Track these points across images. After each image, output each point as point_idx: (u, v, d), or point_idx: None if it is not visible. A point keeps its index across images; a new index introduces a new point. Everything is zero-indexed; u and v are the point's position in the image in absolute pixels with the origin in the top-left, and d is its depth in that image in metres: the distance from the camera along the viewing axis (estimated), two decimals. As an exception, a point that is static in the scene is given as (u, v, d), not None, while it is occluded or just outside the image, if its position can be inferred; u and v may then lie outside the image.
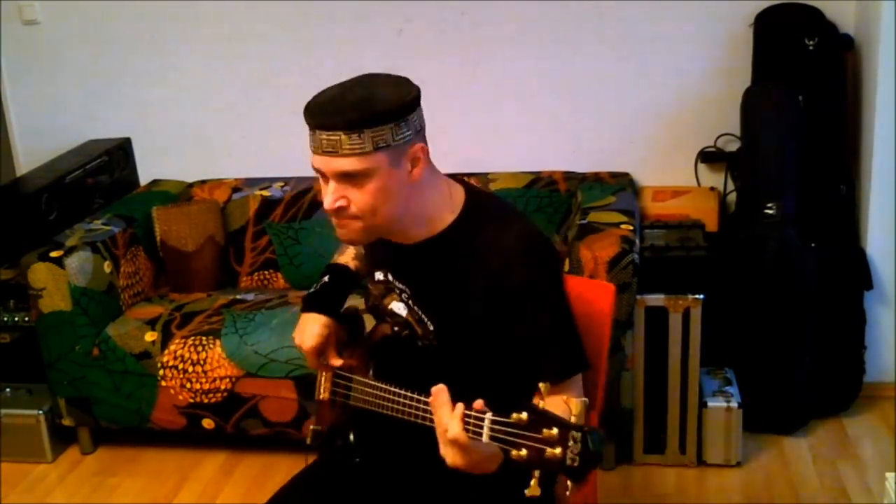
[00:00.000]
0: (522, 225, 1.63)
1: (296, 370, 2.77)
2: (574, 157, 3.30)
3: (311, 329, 1.77)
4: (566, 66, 3.27)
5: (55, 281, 2.89)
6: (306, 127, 1.54)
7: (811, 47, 2.93)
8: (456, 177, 1.69)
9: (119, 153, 3.54)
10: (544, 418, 1.21)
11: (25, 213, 3.10)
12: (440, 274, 1.62)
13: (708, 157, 3.23)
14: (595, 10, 3.19)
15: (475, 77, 3.28)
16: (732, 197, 3.20)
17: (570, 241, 2.73)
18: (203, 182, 3.51)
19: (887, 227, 2.99)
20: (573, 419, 1.20)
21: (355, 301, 1.85)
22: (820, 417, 3.00)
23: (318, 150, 1.51)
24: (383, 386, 1.65)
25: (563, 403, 1.29)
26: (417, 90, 1.55)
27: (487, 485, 1.67)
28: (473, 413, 1.32)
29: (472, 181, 2.61)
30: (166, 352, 2.88)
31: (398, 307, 1.69)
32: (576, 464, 1.17)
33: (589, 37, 3.23)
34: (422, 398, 1.53)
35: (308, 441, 1.86)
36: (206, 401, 2.86)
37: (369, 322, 1.86)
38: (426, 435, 1.57)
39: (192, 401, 2.87)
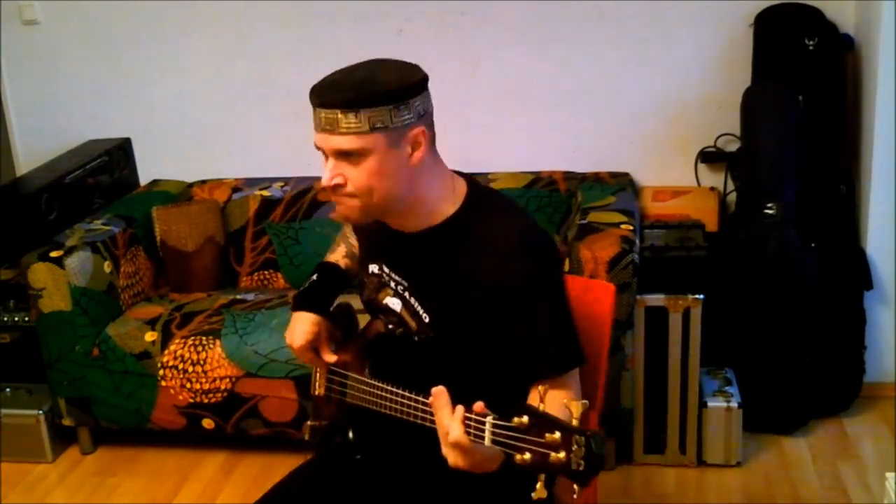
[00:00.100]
0: (523, 220, 1.63)
1: (296, 370, 2.77)
2: (574, 157, 3.30)
3: (300, 327, 1.78)
4: (566, 65, 3.27)
5: (55, 281, 2.89)
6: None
7: (811, 47, 2.93)
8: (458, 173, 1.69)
9: (119, 153, 3.54)
10: (545, 421, 1.21)
11: (25, 213, 3.10)
12: (438, 265, 1.62)
13: (708, 157, 3.23)
14: (595, 9, 3.19)
15: (475, 77, 3.28)
16: (732, 197, 3.20)
17: (570, 241, 2.73)
18: (203, 182, 3.51)
19: (887, 227, 2.99)
20: (575, 422, 1.20)
21: (352, 297, 1.86)
22: (820, 417, 3.00)
23: (317, 127, 1.54)
24: (380, 385, 1.65)
25: (564, 402, 1.29)
26: (423, 75, 1.56)
27: (487, 483, 1.67)
28: (474, 416, 1.32)
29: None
30: (166, 352, 2.88)
31: (392, 302, 1.68)
32: (581, 468, 1.18)
33: (589, 37, 3.23)
34: (420, 398, 1.53)
35: (306, 437, 1.87)
36: (206, 401, 2.86)
37: (363, 318, 1.86)
38: (425, 433, 1.57)
39: (192, 401, 2.87)
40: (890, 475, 2.11)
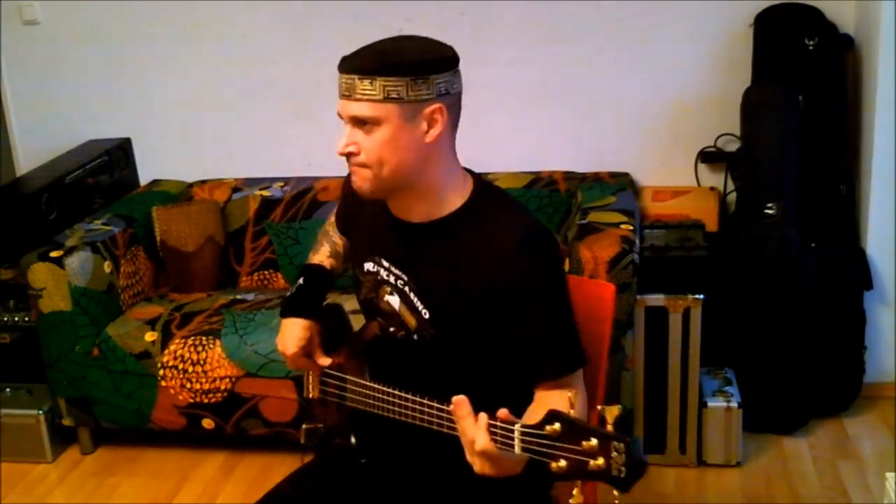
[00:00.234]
0: (528, 218, 1.63)
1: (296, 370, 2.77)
2: (574, 157, 3.30)
3: (292, 333, 1.77)
4: (566, 65, 3.27)
5: (55, 281, 2.89)
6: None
7: (811, 47, 2.93)
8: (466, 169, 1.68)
9: (119, 153, 3.54)
10: (579, 429, 1.21)
11: (25, 213, 3.10)
12: (441, 259, 1.60)
13: (708, 157, 3.23)
14: (595, 9, 3.19)
15: (475, 77, 3.26)
16: (732, 197, 3.20)
17: (570, 241, 2.73)
18: (203, 182, 3.51)
19: (887, 227, 2.99)
20: (609, 427, 1.20)
21: (341, 297, 1.85)
22: (820, 417, 3.00)
23: (339, 93, 1.55)
24: (385, 389, 1.63)
25: (567, 400, 1.30)
26: (449, 54, 1.56)
27: (492, 485, 1.68)
28: (500, 423, 1.32)
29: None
30: (166, 352, 2.88)
31: (391, 300, 1.67)
32: (623, 474, 1.17)
33: (589, 37, 3.23)
34: (436, 404, 1.51)
35: (302, 440, 1.86)
36: (206, 401, 2.86)
37: (356, 318, 1.85)
38: (429, 436, 1.57)
39: (192, 401, 2.87)
40: (890, 475, 2.11)
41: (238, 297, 3.15)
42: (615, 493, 1.20)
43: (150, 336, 2.92)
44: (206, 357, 2.84)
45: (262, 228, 3.37)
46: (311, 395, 1.87)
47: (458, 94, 1.59)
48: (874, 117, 2.91)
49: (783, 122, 2.90)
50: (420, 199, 1.60)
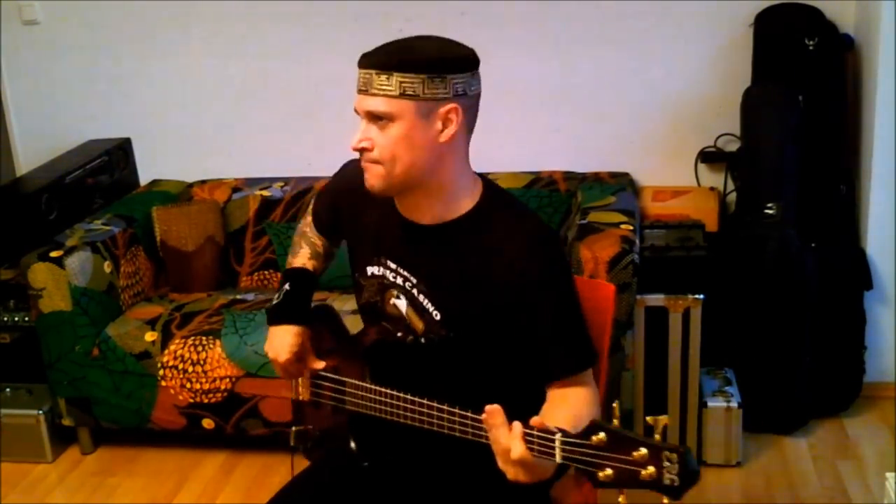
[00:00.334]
0: (536, 221, 1.64)
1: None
2: (574, 157, 3.30)
3: (283, 341, 1.76)
4: (566, 65, 3.27)
5: (55, 281, 2.89)
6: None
7: (811, 47, 2.93)
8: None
9: (119, 153, 3.54)
10: (627, 439, 1.23)
11: (25, 213, 3.10)
12: (452, 260, 1.60)
13: (708, 157, 3.23)
14: (595, 10, 3.19)
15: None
16: (732, 197, 3.20)
17: (570, 241, 2.73)
18: (203, 182, 3.51)
19: (887, 227, 2.99)
20: (657, 436, 1.22)
21: (344, 301, 1.84)
22: (820, 417, 3.00)
23: (357, 87, 1.55)
24: (396, 393, 1.60)
25: (584, 397, 1.44)
26: (466, 54, 1.56)
27: (493, 485, 1.68)
28: (537, 433, 1.32)
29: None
30: (166, 352, 2.88)
31: (398, 303, 1.66)
32: (676, 483, 1.19)
33: (589, 37, 3.23)
34: (455, 410, 1.50)
35: (291, 442, 1.85)
36: (206, 401, 2.86)
37: (352, 320, 1.85)
38: (431, 438, 1.57)
39: (192, 401, 2.87)
40: (890, 475, 2.11)
41: (238, 297, 3.15)
42: (665, 500, 1.22)
43: (150, 336, 2.92)
44: (206, 357, 2.84)
45: (262, 228, 3.37)
46: (300, 398, 1.86)
47: (476, 97, 1.59)
48: (874, 117, 2.91)
49: (783, 121, 2.90)
50: (431, 200, 1.60)
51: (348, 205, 1.77)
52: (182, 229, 3.25)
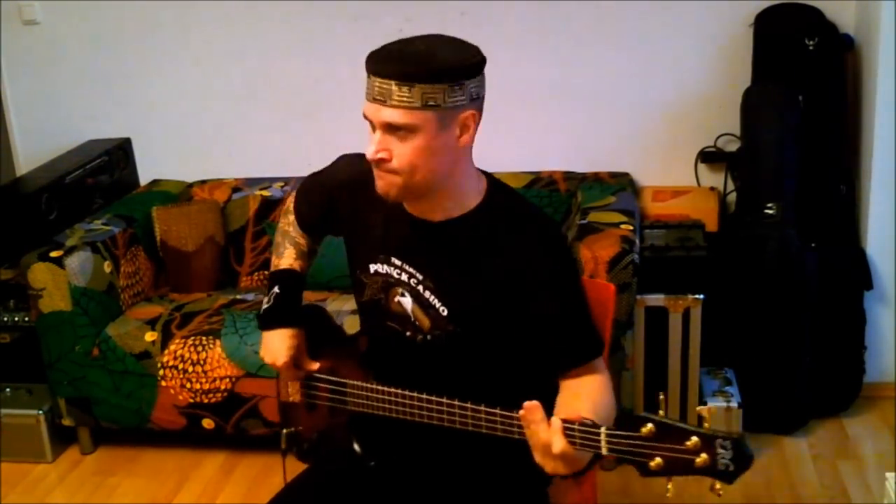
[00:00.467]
0: (541, 215, 1.66)
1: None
2: (574, 157, 3.30)
3: (279, 344, 1.75)
4: (566, 65, 3.27)
5: (55, 281, 2.89)
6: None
7: (811, 47, 2.93)
8: None
9: (119, 153, 3.54)
10: (677, 429, 1.27)
11: (25, 213, 3.10)
12: (460, 255, 1.60)
13: (708, 157, 3.23)
14: (595, 9, 3.19)
15: (475, 77, 3.28)
16: (732, 197, 3.20)
17: (571, 241, 2.73)
18: (203, 182, 3.51)
19: (887, 227, 2.99)
20: (707, 424, 1.27)
21: (345, 301, 1.83)
22: (820, 417, 3.00)
23: (369, 96, 1.50)
24: (415, 395, 1.58)
25: (600, 383, 1.50)
26: (481, 58, 1.54)
27: (493, 484, 1.68)
28: (578, 427, 1.34)
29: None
30: (166, 352, 2.88)
31: (403, 301, 1.65)
32: (731, 468, 1.25)
33: (589, 37, 3.23)
34: (480, 407, 1.49)
35: (283, 445, 1.84)
36: (206, 401, 2.86)
37: (353, 321, 1.83)
38: (436, 436, 1.57)
39: (192, 401, 2.87)
40: (890, 475, 2.11)
41: (238, 297, 3.15)
42: (717, 485, 1.29)
43: (150, 336, 2.92)
44: (206, 357, 2.84)
45: (262, 228, 3.37)
46: (290, 400, 1.84)
47: (484, 96, 1.58)
48: (874, 117, 2.91)
49: (783, 121, 2.90)
50: (443, 199, 1.59)
51: (347, 200, 1.75)
52: (182, 229, 3.25)
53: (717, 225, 3.07)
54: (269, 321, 1.78)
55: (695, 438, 1.26)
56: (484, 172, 1.67)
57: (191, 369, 2.85)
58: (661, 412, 1.31)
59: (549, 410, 1.41)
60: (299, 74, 3.43)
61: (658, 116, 3.25)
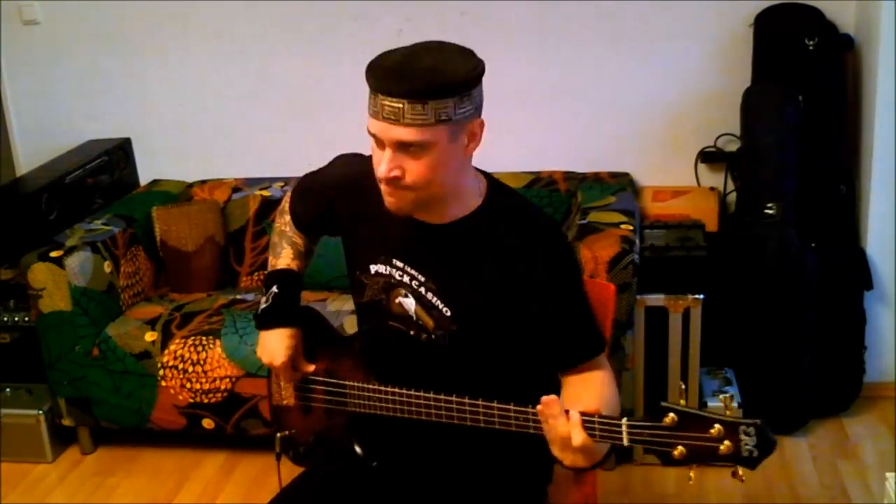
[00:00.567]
0: (541, 215, 1.67)
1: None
2: (574, 157, 3.30)
3: (278, 344, 1.75)
4: (566, 65, 3.27)
5: (55, 281, 2.89)
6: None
7: (811, 47, 2.93)
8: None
9: (119, 153, 3.54)
10: (699, 417, 1.30)
11: (25, 213, 3.10)
12: (463, 256, 1.60)
13: (708, 157, 3.23)
14: (595, 9, 3.19)
15: (475, 77, 3.28)
16: (732, 197, 3.20)
17: (571, 241, 2.73)
18: (203, 182, 3.51)
19: (887, 227, 2.99)
20: (728, 412, 1.30)
21: (344, 301, 1.83)
22: (820, 417, 3.00)
23: (377, 115, 1.47)
24: (422, 394, 1.57)
25: (602, 378, 1.52)
26: (483, 64, 1.53)
27: (494, 483, 1.68)
28: (598, 419, 1.37)
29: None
30: (166, 352, 2.88)
31: (405, 302, 1.65)
32: (755, 454, 1.27)
33: (589, 37, 3.23)
34: (493, 404, 1.49)
35: (277, 449, 1.83)
36: (206, 401, 2.86)
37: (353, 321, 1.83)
38: (437, 435, 1.57)
39: (192, 401, 2.87)
40: (890, 475, 2.11)
41: (238, 297, 3.15)
42: (740, 470, 1.30)
43: (150, 336, 2.92)
44: (206, 357, 2.84)
45: (262, 228, 3.37)
46: (284, 403, 1.83)
47: (483, 100, 1.57)
48: (874, 117, 2.91)
49: (783, 121, 2.90)
50: (446, 204, 1.59)
51: (345, 201, 1.74)
52: (182, 229, 3.25)
53: (717, 225, 3.07)
54: (267, 321, 1.78)
55: (718, 426, 1.28)
56: (483, 172, 1.67)
57: (191, 369, 2.85)
58: (682, 402, 1.34)
59: None
60: (299, 74, 3.43)
61: (658, 116, 3.25)
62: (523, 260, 1.56)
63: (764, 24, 3.02)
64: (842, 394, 3.03)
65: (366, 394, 1.67)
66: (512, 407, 1.47)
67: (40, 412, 3.03)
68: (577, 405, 1.41)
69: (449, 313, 1.61)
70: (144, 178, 3.63)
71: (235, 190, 3.43)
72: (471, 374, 1.61)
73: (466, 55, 1.53)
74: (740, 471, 1.30)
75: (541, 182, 3.22)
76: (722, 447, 1.28)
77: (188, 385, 2.86)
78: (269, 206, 3.36)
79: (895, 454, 2.80)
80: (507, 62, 3.27)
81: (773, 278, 2.85)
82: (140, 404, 2.93)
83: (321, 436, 1.79)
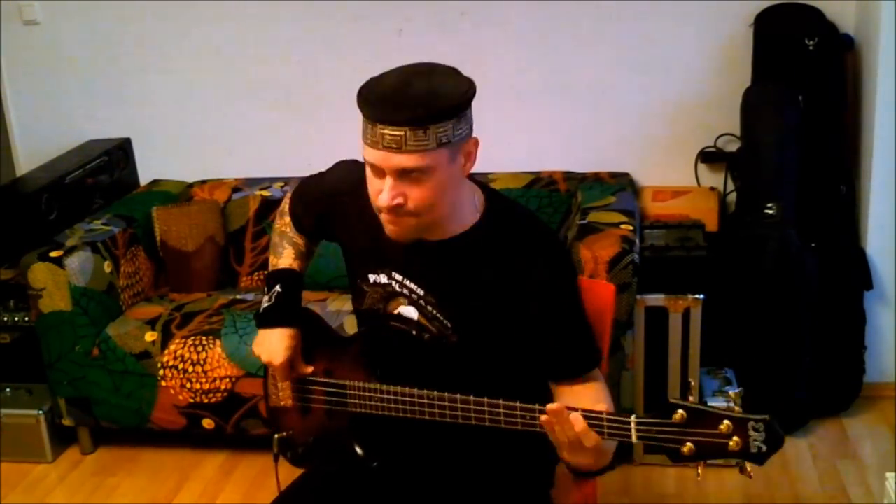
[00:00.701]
0: (543, 228, 1.66)
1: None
2: (574, 157, 3.30)
3: (278, 343, 1.74)
4: (566, 65, 3.27)
5: (55, 281, 2.89)
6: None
7: (811, 47, 2.93)
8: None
9: (119, 153, 3.54)
10: (708, 414, 1.32)
11: (25, 213, 3.10)
12: (461, 273, 1.60)
13: (708, 157, 3.23)
14: (595, 9, 3.19)
15: (475, 77, 3.25)
16: (732, 197, 3.20)
17: (570, 241, 2.73)
18: (203, 182, 3.51)
19: (887, 227, 2.99)
20: (737, 409, 1.32)
21: (344, 301, 1.82)
22: (820, 417, 3.00)
23: (377, 144, 1.46)
24: (425, 393, 1.56)
25: (598, 391, 1.52)
26: (474, 84, 1.52)
27: (496, 483, 1.68)
28: (607, 418, 1.38)
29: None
30: (166, 352, 2.88)
31: (407, 311, 1.65)
32: (764, 450, 1.28)
33: (589, 37, 3.23)
34: (499, 402, 1.49)
35: (275, 450, 1.82)
36: (206, 401, 2.86)
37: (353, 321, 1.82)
38: (438, 435, 1.57)
39: (192, 401, 2.87)
40: (890, 475, 2.11)
41: (238, 297, 3.15)
42: (748, 466, 1.30)
43: (150, 336, 2.92)
44: (206, 357, 2.84)
45: (262, 228, 3.37)
46: (282, 404, 1.83)
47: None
48: (874, 117, 2.91)
49: (783, 121, 2.90)
50: (443, 223, 1.59)
51: (344, 209, 1.74)
52: (182, 229, 3.25)
53: (717, 225, 3.07)
54: (269, 320, 1.77)
55: (727, 422, 1.29)
56: (479, 183, 1.67)
57: (191, 369, 2.85)
58: (691, 398, 1.34)
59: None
60: (299, 74, 3.43)
61: (658, 116, 3.25)
62: (522, 273, 1.56)
63: (764, 24, 3.02)
64: (842, 394, 3.03)
65: (367, 394, 1.66)
66: (518, 405, 1.47)
67: (40, 412, 3.03)
68: None
69: (449, 325, 1.62)
70: (144, 178, 3.63)
71: (235, 190, 3.43)
72: (474, 377, 1.61)
73: (457, 76, 1.53)
74: (748, 467, 1.30)
75: (541, 182, 3.22)
76: (731, 443, 1.29)
77: (188, 385, 2.86)
78: (269, 206, 3.36)
79: (895, 454, 2.81)
80: (507, 62, 3.28)
81: (772, 278, 2.85)
82: (140, 404, 2.93)
83: (320, 436, 1.79)
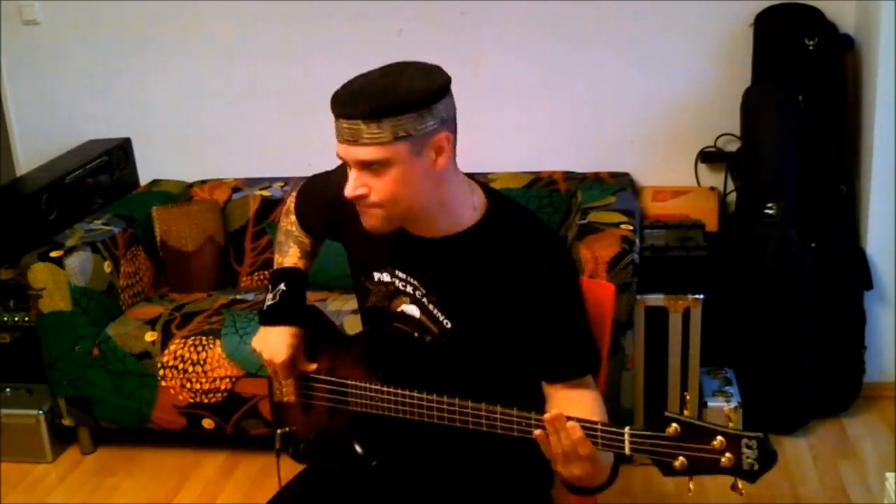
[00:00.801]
0: (545, 230, 1.66)
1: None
2: (574, 157, 3.30)
3: (281, 341, 1.74)
4: (566, 65, 3.27)
5: (55, 281, 2.89)
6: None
7: (811, 47, 2.93)
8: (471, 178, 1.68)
9: (119, 153, 3.54)
10: (702, 429, 1.30)
11: (25, 213, 3.10)
12: (461, 272, 1.60)
13: (708, 157, 3.23)
14: (595, 9, 3.19)
15: (475, 77, 3.28)
16: (732, 197, 3.20)
17: (570, 241, 2.73)
18: (203, 182, 3.51)
19: (887, 227, 2.99)
20: (731, 425, 1.30)
21: (345, 301, 1.82)
22: (820, 417, 3.00)
23: (339, 137, 1.51)
24: (424, 395, 1.57)
25: (593, 399, 1.51)
26: (446, 79, 1.52)
27: (496, 484, 1.68)
28: (601, 429, 1.37)
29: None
30: (166, 352, 2.88)
31: (409, 309, 1.66)
32: (756, 468, 1.28)
33: (589, 37, 3.23)
34: (497, 408, 1.49)
35: (277, 445, 1.83)
36: (206, 401, 2.86)
37: (354, 321, 1.83)
38: (438, 435, 1.57)
39: (192, 401, 2.87)
40: (890, 475, 2.11)
41: (238, 297, 3.15)
42: (740, 483, 1.31)
43: (150, 336, 2.92)
44: (206, 357, 2.84)
45: (262, 228, 3.37)
46: (285, 400, 1.83)
47: (455, 114, 1.56)
48: (874, 117, 2.91)
49: (783, 121, 2.90)
50: (434, 221, 1.59)
51: (349, 209, 1.70)
52: (182, 229, 3.25)
53: (717, 225, 3.07)
54: (273, 317, 1.77)
55: (720, 438, 1.28)
56: (480, 183, 1.67)
57: (191, 369, 2.85)
58: (685, 412, 1.33)
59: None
60: (299, 74, 3.43)
61: (658, 116, 3.25)
62: (522, 273, 1.55)
63: (764, 24, 3.02)
64: (842, 394, 3.03)
65: (367, 393, 1.66)
66: (514, 412, 1.47)
67: (40, 412, 3.03)
68: None
69: (450, 325, 1.62)
70: (144, 178, 3.63)
71: (235, 190, 3.43)
72: (473, 378, 1.61)
73: (427, 72, 1.53)
74: (740, 484, 1.30)
75: (541, 182, 3.22)
76: (723, 459, 1.28)
77: (188, 385, 2.86)
78: (269, 206, 3.36)
79: (895, 454, 2.81)
80: (507, 62, 3.28)
81: (772, 278, 2.85)
82: (140, 404, 2.93)
83: (322, 434, 1.79)
